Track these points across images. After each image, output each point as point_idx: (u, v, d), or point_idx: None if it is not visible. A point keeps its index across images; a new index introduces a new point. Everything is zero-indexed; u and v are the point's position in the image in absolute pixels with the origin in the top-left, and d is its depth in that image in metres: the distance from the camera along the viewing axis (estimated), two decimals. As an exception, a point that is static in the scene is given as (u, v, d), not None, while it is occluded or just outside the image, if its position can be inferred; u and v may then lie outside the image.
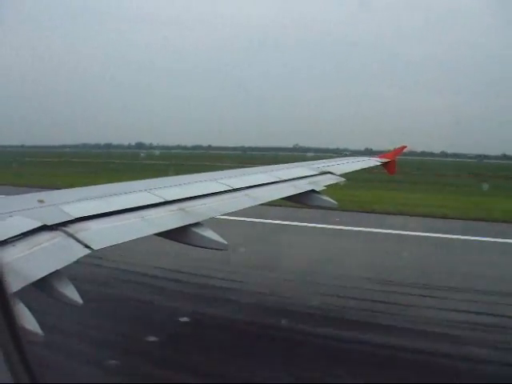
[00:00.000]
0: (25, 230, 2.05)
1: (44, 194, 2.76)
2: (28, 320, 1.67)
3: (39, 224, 2.14)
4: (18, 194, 2.90)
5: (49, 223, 2.19)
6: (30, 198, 2.59)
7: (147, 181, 3.77)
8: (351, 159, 7.17)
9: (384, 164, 7.48)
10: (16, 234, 1.99)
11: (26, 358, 0.96)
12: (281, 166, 5.60)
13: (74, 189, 3.28)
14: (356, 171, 6.46)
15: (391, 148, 8.16)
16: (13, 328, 0.96)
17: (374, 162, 7.35)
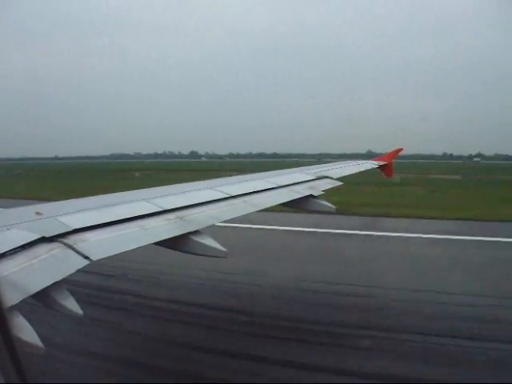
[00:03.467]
0: (23, 243, 2.04)
1: (42, 206, 2.75)
2: (28, 332, 1.65)
3: (37, 236, 2.13)
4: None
5: (47, 235, 2.18)
6: (28, 211, 2.58)
7: (145, 190, 3.76)
8: (348, 163, 7.18)
9: (381, 167, 7.51)
10: (14, 247, 1.99)
11: (19, 360, 0.94)
12: (279, 171, 5.62)
13: (71, 200, 3.26)
14: (353, 175, 6.47)
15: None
16: (6, 334, 0.96)
17: (370, 165, 7.38)
